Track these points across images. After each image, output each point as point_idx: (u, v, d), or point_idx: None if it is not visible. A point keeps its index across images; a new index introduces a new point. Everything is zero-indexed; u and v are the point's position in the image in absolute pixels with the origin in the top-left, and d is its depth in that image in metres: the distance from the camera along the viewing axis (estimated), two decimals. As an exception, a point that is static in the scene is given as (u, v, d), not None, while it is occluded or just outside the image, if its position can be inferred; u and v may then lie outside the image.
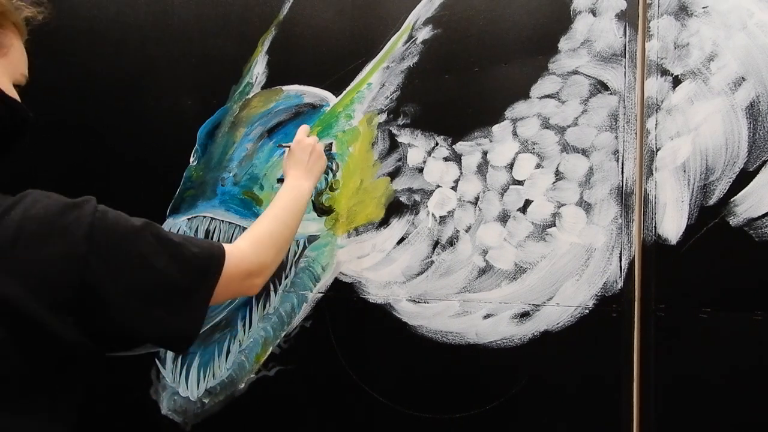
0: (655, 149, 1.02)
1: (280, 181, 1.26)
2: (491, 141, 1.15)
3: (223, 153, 1.41)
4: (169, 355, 1.43)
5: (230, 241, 1.39)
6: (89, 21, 1.54)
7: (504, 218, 1.13)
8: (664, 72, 1.01)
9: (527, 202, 1.11)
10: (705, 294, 0.97)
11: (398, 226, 1.22)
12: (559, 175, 1.09)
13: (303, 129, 1.23)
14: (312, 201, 1.30)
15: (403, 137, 1.23)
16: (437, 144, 1.19)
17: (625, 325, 1.02)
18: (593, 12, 1.07)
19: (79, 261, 0.68)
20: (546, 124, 1.10)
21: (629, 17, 1.04)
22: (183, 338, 0.78)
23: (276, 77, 1.36)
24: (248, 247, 0.91)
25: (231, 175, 1.39)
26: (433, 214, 1.19)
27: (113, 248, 0.72)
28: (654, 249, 1.01)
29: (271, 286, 1.33)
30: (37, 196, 0.72)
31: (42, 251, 0.67)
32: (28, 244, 0.67)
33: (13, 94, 0.78)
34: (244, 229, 1.37)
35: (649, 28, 1.03)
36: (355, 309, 1.24)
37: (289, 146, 1.21)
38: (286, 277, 1.32)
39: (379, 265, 1.23)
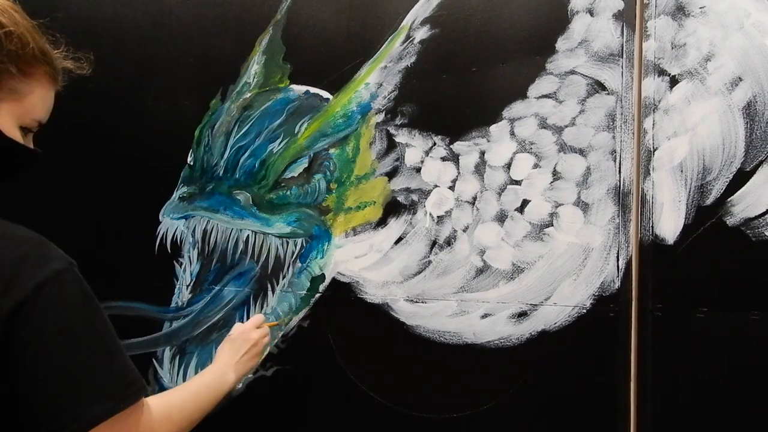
0: (652, 149, 1.02)
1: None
2: (489, 141, 1.15)
3: (220, 153, 1.41)
4: (167, 355, 1.43)
5: (227, 242, 1.40)
6: (87, 21, 1.54)
7: (501, 218, 1.13)
8: (662, 72, 1.01)
9: (525, 202, 1.11)
10: (702, 293, 0.97)
11: (396, 225, 1.22)
12: (556, 175, 1.09)
13: (255, 320, 1.15)
14: (311, 202, 1.30)
15: (401, 137, 1.23)
16: (435, 144, 1.19)
17: (622, 324, 1.02)
18: (590, 12, 1.07)
19: (15, 304, 0.67)
20: (543, 124, 1.10)
21: (626, 17, 1.04)
22: (75, 420, 0.70)
23: (273, 77, 1.36)
24: (159, 416, 0.83)
25: (228, 175, 1.39)
26: (430, 214, 1.19)
27: (53, 312, 0.70)
28: (651, 249, 1.01)
29: (269, 286, 1.33)
30: (11, 229, 0.73)
31: None
32: None
33: (15, 135, 0.79)
34: (241, 230, 1.37)
35: (647, 28, 1.03)
36: (352, 309, 1.24)
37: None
38: (283, 277, 1.32)
39: (376, 265, 1.23)
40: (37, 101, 0.81)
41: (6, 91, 0.77)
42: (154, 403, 0.84)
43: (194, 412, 0.92)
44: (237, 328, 1.12)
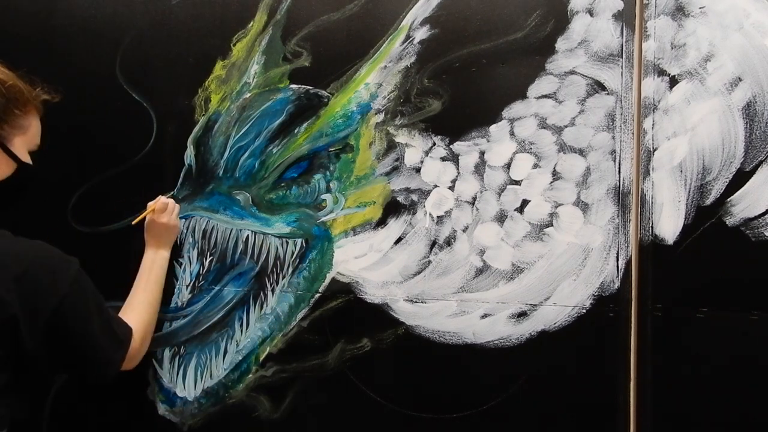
0: (652, 149, 1.02)
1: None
2: (488, 141, 1.15)
3: (220, 153, 1.41)
4: (166, 355, 1.43)
5: (227, 242, 1.40)
6: (85, 21, 1.54)
7: (501, 218, 1.13)
8: (661, 72, 1.02)
9: (524, 202, 1.11)
10: (702, 294, 0.97)
11: (396, 226, 1.22)
12: (556, 175, 1.09)
13: (156, 206, 1.35)
14: (311, 202, 1.30)
15: (401, 137, 1.23)
16: (434, 144, 1.19)
17: (622, 324, 1.02)
18: (590, 12, 1.07)
19: (60, 298, 0.97)
20: (543, 124, 1.10)
21: (626, 17, 1.04)
22: (110, 365, 1.08)
23: (273, 77, 1.36)
24: (137, 341, 1.17)
25: (228, 175, 1.39)
26: (430, 214, 1.19)
27: (83, 295, 1.02)
28: (651, 249, 1.01)
29: (269, 286, 1.33)
30: (39, 244, 1.00)
31: (40, 286, 0.95)
32: (32, 278, 0.94)
33: (28, 159, 1.08)
34: (241, 230, 1.37)
35: (646, 29, 1.03)
36: (352, 309, 1.24)
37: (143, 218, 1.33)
38: (283, 277, 1.32)
39: (376, 265, 1.23)
40: (36, 130, 1.10)
41: (17, 128, 1.04)
42: (136, 334, 1.16)
43: (154, 315, 1.27)
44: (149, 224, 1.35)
